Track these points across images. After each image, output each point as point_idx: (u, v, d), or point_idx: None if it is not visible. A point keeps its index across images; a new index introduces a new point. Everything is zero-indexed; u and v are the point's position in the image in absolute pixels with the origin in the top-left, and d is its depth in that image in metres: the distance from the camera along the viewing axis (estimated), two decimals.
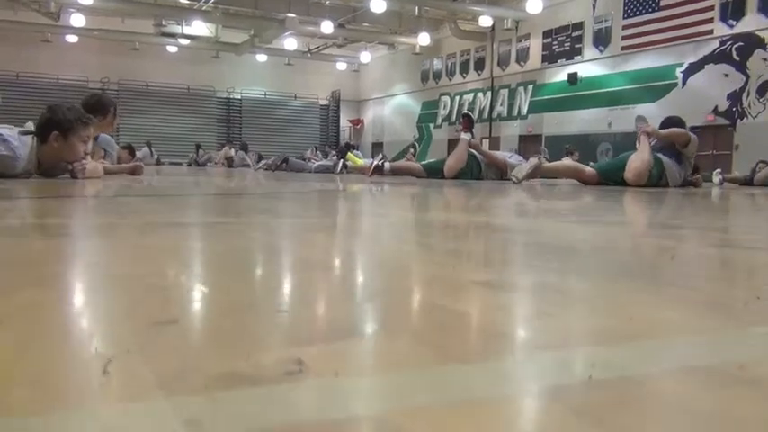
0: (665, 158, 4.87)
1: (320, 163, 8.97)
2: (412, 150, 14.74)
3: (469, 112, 6.67)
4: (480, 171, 6.31)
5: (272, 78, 26.69)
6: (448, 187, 4.01)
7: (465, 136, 6.27)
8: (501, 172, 6.42)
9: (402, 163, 6.68)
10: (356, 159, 7.15)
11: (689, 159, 5.10)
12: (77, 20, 20.49)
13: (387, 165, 6.24)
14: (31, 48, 22.48)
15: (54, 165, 3.07)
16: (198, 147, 18.57)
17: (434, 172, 6.23)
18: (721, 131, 15.48)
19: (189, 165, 17.98)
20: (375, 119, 28.55)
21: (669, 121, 5.48)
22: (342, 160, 7.46)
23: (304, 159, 9.98)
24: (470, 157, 6.28)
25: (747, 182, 6.74)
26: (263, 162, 12.02)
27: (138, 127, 24.25)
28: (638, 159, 4.71)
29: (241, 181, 5.26)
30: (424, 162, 6.66)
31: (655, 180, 4.77)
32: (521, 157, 6.67)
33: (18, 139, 2.88)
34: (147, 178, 4.21)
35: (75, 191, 2.54)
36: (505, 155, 6.69)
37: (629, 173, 4.61)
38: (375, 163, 6.16)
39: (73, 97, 23.20)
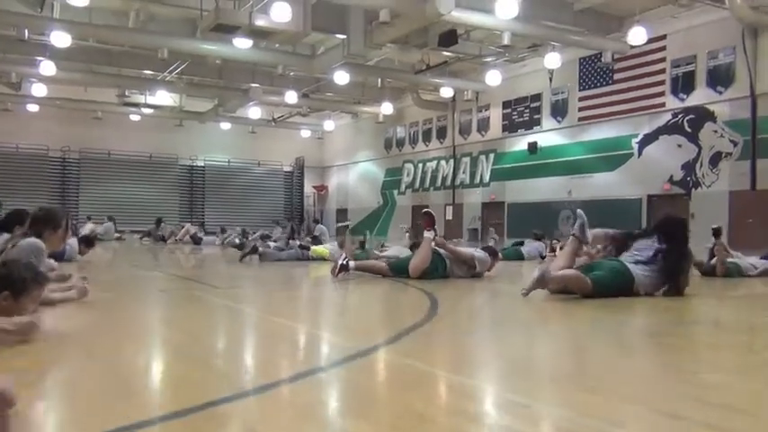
0: (635, 270, 4.69)
1: (280, 254, 8.28)
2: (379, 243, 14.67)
3: (430, 210, 6.58)
4: (446, 269, 6.27)
5: (236, 146, 26.74)
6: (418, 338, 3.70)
7: (428, 234, 6.21)
8: (468, 267, 6.37)
9: (367, 262, 6.61)
10: (322, 251, 7.10)
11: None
12: (39, 90, 20.37)
13: (351, 263, 6.20)
14: None
15: None
16: (159, 221, 17.82)
17: (400, 271, 6.17)
18: (677, 200, 15.93)
19: (148, 234, 17.11)
20: (339, 185, 28.67)
21: (666, 223, 5.08)
22: (306, 252, 7.41)
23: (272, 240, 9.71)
24: (435, 255, 6.22)
25: (708, 271, 6.82)
26: (225, 235, 11.67)
27: (100, 196, 23.96)
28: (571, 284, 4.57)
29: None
30: (390, 258, 6.61)
31: (619, 291, 4.63)
32: (486, 252, 6.65)
33: None
34: (96, 313, 3.85)
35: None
36: (471, 250, 6.67)
37: None
38: (340, 262, 6.10)
39: (33, 165, 22.99)
